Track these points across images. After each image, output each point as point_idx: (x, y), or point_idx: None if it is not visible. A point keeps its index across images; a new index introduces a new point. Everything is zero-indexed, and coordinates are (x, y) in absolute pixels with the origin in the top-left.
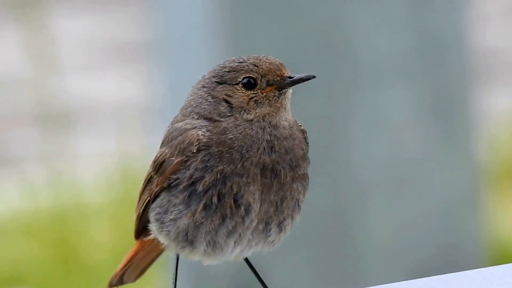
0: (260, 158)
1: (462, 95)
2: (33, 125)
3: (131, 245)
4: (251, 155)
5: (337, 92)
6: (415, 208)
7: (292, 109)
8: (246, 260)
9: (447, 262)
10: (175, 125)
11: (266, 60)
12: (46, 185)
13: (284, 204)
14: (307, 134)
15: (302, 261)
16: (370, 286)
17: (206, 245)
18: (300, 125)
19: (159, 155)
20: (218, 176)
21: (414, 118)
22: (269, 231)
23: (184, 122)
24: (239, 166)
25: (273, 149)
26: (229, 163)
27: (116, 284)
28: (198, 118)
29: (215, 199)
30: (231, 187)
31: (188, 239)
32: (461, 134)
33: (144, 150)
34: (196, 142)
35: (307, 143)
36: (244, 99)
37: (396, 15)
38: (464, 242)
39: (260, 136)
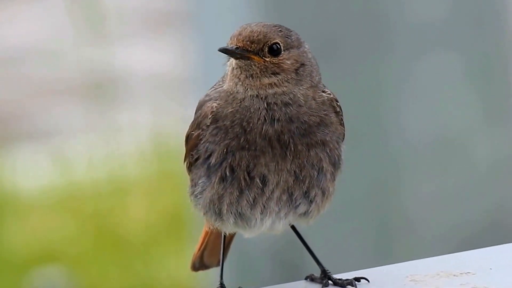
0: (263, 129)
1: (505, 62)
2: (74, 96)
3: (166, 219)
4: (252, 127)
5: (373, 61)
6: (456, 180)
7: (333, 82)
8: (294, 229)
9: (493, 227)
10: (202, 97)
11: (240, 28)
12: (83, 158)
13: (303, 173)
14: (339, 102)
15: (349, 229)
16: (420, 256)
17: (234, 217)
18: (325, 92)
19: (188, 129)
20: (225, 150)
21: (453, 87)
22: (296, 202)
23: (206, 93)
24: (242, 140)
25: (274, 118)
26: (233, 138)
27: (200, 268)
28: (221, 85)
29: (228, 172)
30: (241, 160)
31: (216, 212)
32: (503, 101)
33: (178, 123)
34: (210, 114)
35: (336, 111)
36: (230, 68)
37: None
38: (506, 215)
39: (256, 106)
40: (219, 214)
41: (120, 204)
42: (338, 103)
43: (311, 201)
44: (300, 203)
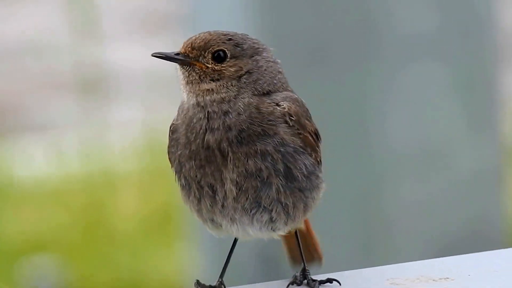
0: (204, 138)
1: (489, 74)
2: (69, 91)
3: (157, 214)
4: (195, 138)
5: (363, 72)
6: (439, 188)
7: (320, 88)
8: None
9: (473, 236)
10: None
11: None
12: (76, 152)
13: (245, 184)
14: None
15: (332, 234)
16: (401, 261)
17: (210, 223)
18: (279, 106)
19: None
20: (177, 161)
21: (438, 96)
22: (249, 211)
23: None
24: (188, 150)
25: (213, 127)
26: (182, 148)
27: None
28: None
29: (183, 181)
30: (190, 171)
31: (197, 216)
32: (487, 112)
33: (170, 120)
34: (171, 127)
35: (290, 125)
36: None
37: None
38: (489, 227)
39: (198, 116)
40: (200, 219)
41: (112, 197)
42: (293, 118)
43: (268, 211)
44: (255, 212)
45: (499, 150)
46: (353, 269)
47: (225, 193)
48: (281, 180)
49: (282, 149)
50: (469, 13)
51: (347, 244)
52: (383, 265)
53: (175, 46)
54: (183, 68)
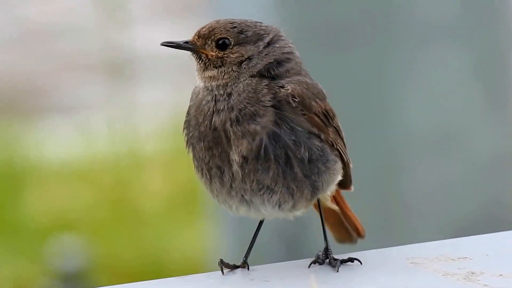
0: (212, 120)
1: (506, 59)
2: (96, 71)
3: (181, 194)
4: (204, 120)
5: (375, 54)
6: (457, 170)
7: (350, 68)
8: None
9: (490, 217)
10: None
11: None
12: (104, 132)
13: (247, 165)
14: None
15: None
16: (418, 242)
17: (223, 204)
18: (283, 87)
19: None
20: (189, 143)
21: (454, 80)
22: (260, 191)
23: None
24: (197, 132)
25: (219, 109)
26: (193, 130)
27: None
28: None
29: (196, 163)
30: (199, 153)
31: (212, 196)
32: (504, 95)
33: None
34: (187, 112)
35: (288, 101)
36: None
37: None
38: (503, 204)
39: (206, 98)
40: (218, 201)
41: (138, 177)
42: (296, 99)
43: (275, 192)
44: (263, 193)
45: None
46: (373, 249)
47: (232, 174)
48: (279, 165)
49: (278, 131)
50: None
51: (367, 224)
52: (403, 245)
53: (196, 26)
54: (193, 55)
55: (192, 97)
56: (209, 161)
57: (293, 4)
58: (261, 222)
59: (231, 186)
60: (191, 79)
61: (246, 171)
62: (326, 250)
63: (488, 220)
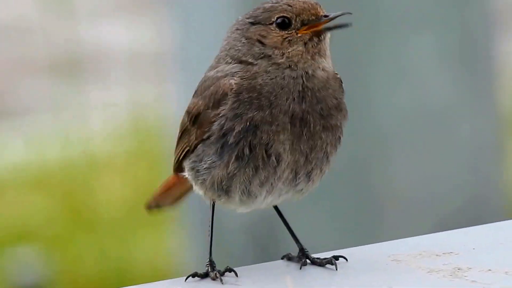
0: (290, 107)
1: (486, 42)
2: (44, 74)
3: (143, 198)
4: (279, 103)
5: (359, 39)
6: (438, 159)
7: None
8: (276, 208)
9: (471, 214)
10: (208, 73)
11: (300, 0)
12: (56, 136)
13: (313, 154)
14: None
15: (324, 212)
16: (393, 239)
17: (241, 194)
18: (337, 74)
19: (192, 106)
20: (248, 124)
21: (437, 66)
22: (298, 180)
23: (216, 69)
24: (267, 113)
25: (304, 99)
26: (258, 110)
27: (153, 207)
28: (231, 62)
29: (246, 150)
30: (262, 137)
31: (223, 189)
32: (485, 81)
33: (156, 101)
34: (230, 92)
35: (343, 92)
36: (278, 39)
37: None
38: (489, 193)
39: (291, 86)
40: (226, 191)
41: (95, 183)
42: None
43: (309, 179)
44: (301, 181)
45: (498, 118)
46: (352, 247)
47: (287, 163)
48: (334, 152)
49: (343, 122)
50: None
51: (347, 221)
52: (385, 241)
53: (153, 22)
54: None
55: (248, 73)
56: (271, 147)
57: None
58: (213, 209)
59: (279, 176)
60: (146, 77)
61: (309, 159)
62: (303, 251)
63: (474, 209)
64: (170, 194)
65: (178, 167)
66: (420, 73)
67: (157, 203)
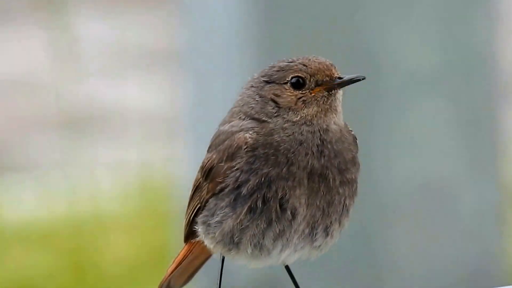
0: (309, 162)
1: (491, 113)
2: (54, 130)
3: (149, 257)
4: (298, 160)
5: (362, 106)
6: (440, 231)
7: None
8: (287, 267)
9: (474, 275)
10: (222, 127)
11: (315, 60)
12: (64, 193)
13: (331, 209)
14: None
15: (324, 280)
16: None
17: (253, 248)
18: (351, 130)
19: (206, 161)
20: (263, 179)
21: (439, 135)
22: (315, 235)
23: (230, 124)
24: (284, 169)
25: (323, 154)
26: (274, 166)
27: None
28: (245, 119)
29: (259, 203)
30: (276, 191)
31: (234, 242)
32: (488, 151)
33: (165, 161)
34: (245, 146)
35: (357, 146)
36: (292, 99)
37: (427, 30)
38: (490, 266)
39: (310, 141)
40: (236, 244)
41: (102, 240)
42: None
43: (327, 235)
44: (319, 237)
45: (500, 189)
46: None
47: (303, 217)
48: (352, 206)
49: (358, 176)
50: (471, 51)
51: (353, 282)
52: None
53: (165, 82)
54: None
55: (264, 129)
56: (285, 202)
57: (270, 57)
58: (223, 263)
59: (295, 230)
60: (156, 136)
61: (326, 213)
62: None
63: (473, 277)
64: (184, 269)
65: (189, 232)
66: (421, 142)
67: (169, 284)
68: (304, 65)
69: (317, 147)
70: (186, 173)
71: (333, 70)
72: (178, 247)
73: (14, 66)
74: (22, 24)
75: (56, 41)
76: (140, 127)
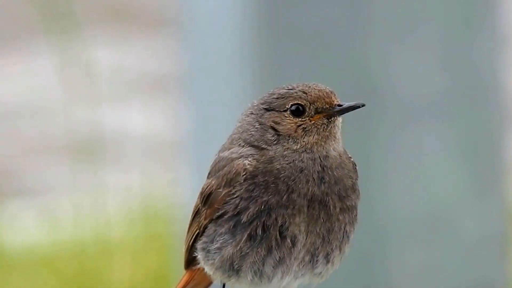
0: (309, 189)
1: (493, 138)
2: (58, 154)
3: (151, 282)
4: (299, 187)
5: (362, 131)
6: (440, 257)
7: None
8: None
9: None
10: (222, 154)
11: (315, 88)
12: (68, 217)
13: (331, 236)
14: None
15: None
16: None
17: (253, 275)
18: (350, 157)
19: (206, 186)
20: (263, 207)
21: (441, 161)
22: (316, 263)
23: (230, 150)
24: (284, 197)
25: (323, 180)
26: (274, 194)
27: None
28: (244, 146)
29: (259, 230)
30: (276, 219)
31: (233, 269)
32: (491, 176)
33: (168, 186)
34: (243, 172)
35: (357, 173)
36: (291, 126)
37: (429, 54)
38: (493, 283)
39: (310, 167)
40: (236, 271)
41: (105, 265)
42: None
43: (328, 262)
44: (319, 264)
45: (503, 215)
46: None
47: (303, 245)
48: (352, 232)
49: (358, 202)
50: (473, 76)
51: None
52: None
53: (167, 107)
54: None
55: (263, 157)
56: (285, 229)
57: (271, 82)
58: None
59: (295, 257)
60: (159, 161)
61: (326, 241)
62: None
63: None
64: None
65: (189, 258)
66: (422, 168)
67: None
68: (304, 92)
69: (318, 173)
70: (189, 198)
71: (332, 97)
72: (182, 272)
73: (24, 91)
74: (32, 46)
75: (65, 66)
76: (143, 151)
